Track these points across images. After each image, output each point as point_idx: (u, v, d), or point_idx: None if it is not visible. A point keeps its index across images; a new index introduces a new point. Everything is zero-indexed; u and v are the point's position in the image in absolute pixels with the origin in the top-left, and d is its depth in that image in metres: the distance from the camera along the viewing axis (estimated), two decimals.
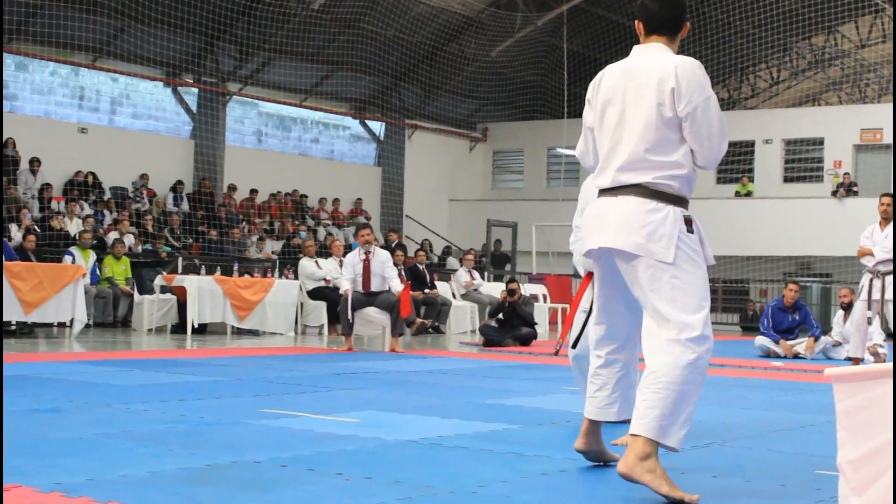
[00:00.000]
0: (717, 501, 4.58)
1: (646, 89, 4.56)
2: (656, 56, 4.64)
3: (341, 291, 14.28)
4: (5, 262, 13.95)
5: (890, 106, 31.31)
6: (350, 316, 13.93)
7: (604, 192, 4.68)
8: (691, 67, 4.54)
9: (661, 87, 4.51)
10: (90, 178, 23.43)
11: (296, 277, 18.29)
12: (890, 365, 4.04)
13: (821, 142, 30.23)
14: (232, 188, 26.32)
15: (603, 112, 4.72)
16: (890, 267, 12.41)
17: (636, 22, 4.81)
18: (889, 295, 12.39)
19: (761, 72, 36.14)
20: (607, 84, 4.73)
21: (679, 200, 4.55)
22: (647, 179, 4.52)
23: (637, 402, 4.47)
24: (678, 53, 4.72)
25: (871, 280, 12.49)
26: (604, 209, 4.63)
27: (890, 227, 12.40)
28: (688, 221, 4.54)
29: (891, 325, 12.63)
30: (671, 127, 4.53)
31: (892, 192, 12.60)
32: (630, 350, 5.00)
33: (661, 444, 4.42)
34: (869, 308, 12.53)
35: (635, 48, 4.78)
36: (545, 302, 23.25)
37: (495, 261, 27.57)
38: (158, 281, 16.98)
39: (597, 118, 4.77)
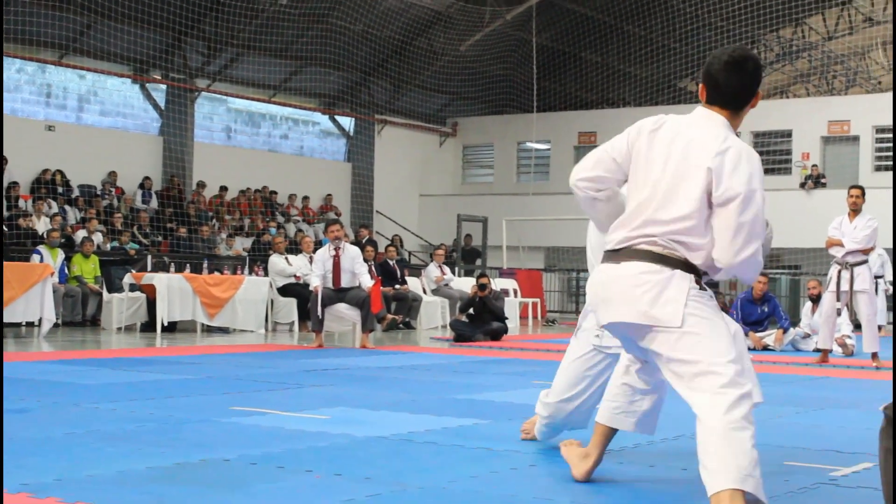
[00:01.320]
0: (687, 493, 4.60)
1: (696, 170, 4.12)
2: (717, 134, 4.18)
3: (311, 288, 14.26)
4: None
5: (857, 98, 31.50)
6: (320, 312, 13.91)
7: (612, 254, 4.27)
8: (748, 158, 4.11)
9: (708, 174, 4.08)
10: (58, 177, 23.29)
11: (266, 274, 18.25)
12: None
13: (789, 134, 30.37)
14: (201, 185, 26.21)
15: (649, 165, 4.24)
16: (858, 258, 12.50)
17: (700, 85, 4.34)
18: (857, 286, 12.47)
19: None
20: (664, 139, 4.25)
21: (688, 267, 4.15)
22: (656, 248, 4.15)
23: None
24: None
25: (839, 271, 12.57)
26: (607, 278, 4.25)
27: (858, 220, 12.50)
28: (698, 283, 4.16)
29: (860, 317, 12.72)
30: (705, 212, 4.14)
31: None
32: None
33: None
34: (837, 299, 12.61)
35: (699, 111, 4.33)
36: (516, 296, 23.27)
37: (466, 256, 27.58)
38: (127, 279, 16.88)
39: (639, 166, 4.28)
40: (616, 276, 4.18)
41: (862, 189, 12.78)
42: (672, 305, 4.06)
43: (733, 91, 4.23)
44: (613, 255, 4.23)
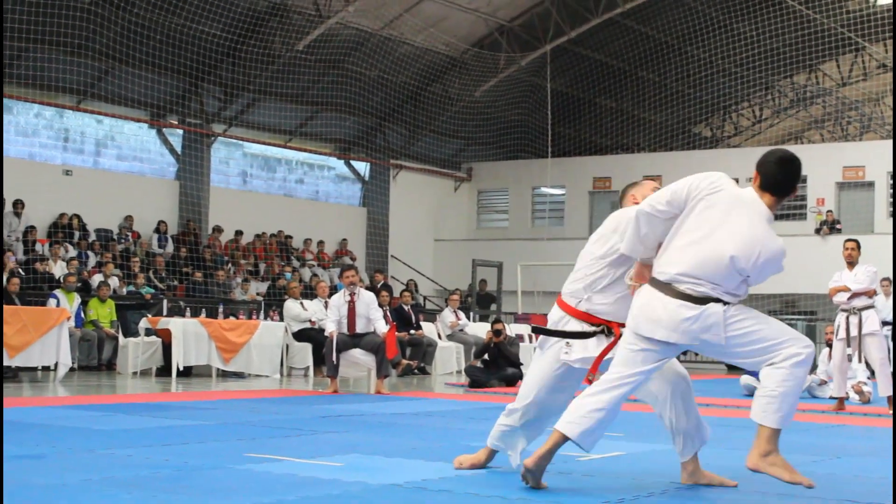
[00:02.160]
0: None
1: (740, 250, 5.41)
2: (763, 224, 5.46)
3: (326, 333, 14.26)
4: None
5: (872, 144, 31.49)
6: (335, 358, 13.90)
7: (666, 285, 5.47)
8: (779, 254, 5.45)
9: (752, 249, 5.40)
10: (75, 221, 23.39)
11: (281, 319, 18.27)
12: None
13: (804, 179, 30.33)
14: (217, 229, 26.30)
15: (706, 222, 5.46)
16: (864, 302, 12.52)
17: (755, 172, 5.52)
18: (866, 329, 12.47)
19: (744, 110, 36.37)
20: (721, 197, 5.48)
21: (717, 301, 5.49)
22: (714, 295, 5.43)
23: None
24: None
25: (847, 317, 12.58)
26: (673, 307, 5.45)
27: (857, 269, 12.58)
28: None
29: (870, 360, 12.70)
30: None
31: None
32: None
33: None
34: (848, 345, 12.60)
35: (752, 193, 5.51)
36: (531, 342, 23.21)
37: (481, 301, 27.57)
38: (143, 324, 16.94)
39: (691, 216, 5.51)
40: (665, 305, 5.45)
41: (857, 242, 12.91)
42: (717, 328, 5.40)
43: (785, 184, 5.51)
44: (663, 286, 5.48)
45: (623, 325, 5.93)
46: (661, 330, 5.44)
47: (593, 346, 6.01)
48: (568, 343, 6.05)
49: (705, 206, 5.45)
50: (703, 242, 5.43)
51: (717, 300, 5.40)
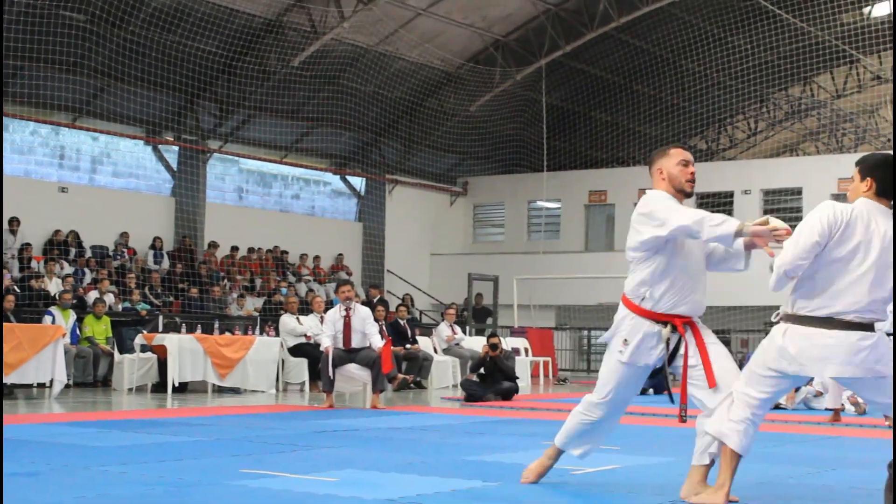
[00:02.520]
0: None
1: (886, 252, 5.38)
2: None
3: (322, 348, 14.26)
4: None
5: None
6: (331, 373, 13.90)
7: (826, 320, 5.37)
8: None
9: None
10: (70, 238, 23.40)
11: (277, 334, 18.26)
12: None
13: (799, 192, 30.41)
14: (213, 245, 26.30)
15: (855, 249, 5.40)
16: None
17: (868, 180, 5.57)
18: None
19: (739, 123, 36.45)
20: (854, 217, 5.43)
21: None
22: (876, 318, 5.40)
23: None
24: None
25: None
26: (844, 336, 5.34)
27: None
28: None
29: None
30: None
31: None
32: None
33: None
34: None
35: (873, 204, 5.51)
36: (527, 355, 23.23)
37: (477, 315, 27.56)
38: (139, 340, 16.90)
39: (836, 249, 5.42)
40: (834, 340, 5.34)
41: None
42: (885, 360, 5.33)
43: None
44: (823, 322, 5.38)
45: (685, 321, 5.91)
46: (833, 367, 5.35)
47: (646, 352, 5.93)
48: (625, 342, 5.95)
49: (847, 236, 5.41)
50: (856, 269, 5.39)
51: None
